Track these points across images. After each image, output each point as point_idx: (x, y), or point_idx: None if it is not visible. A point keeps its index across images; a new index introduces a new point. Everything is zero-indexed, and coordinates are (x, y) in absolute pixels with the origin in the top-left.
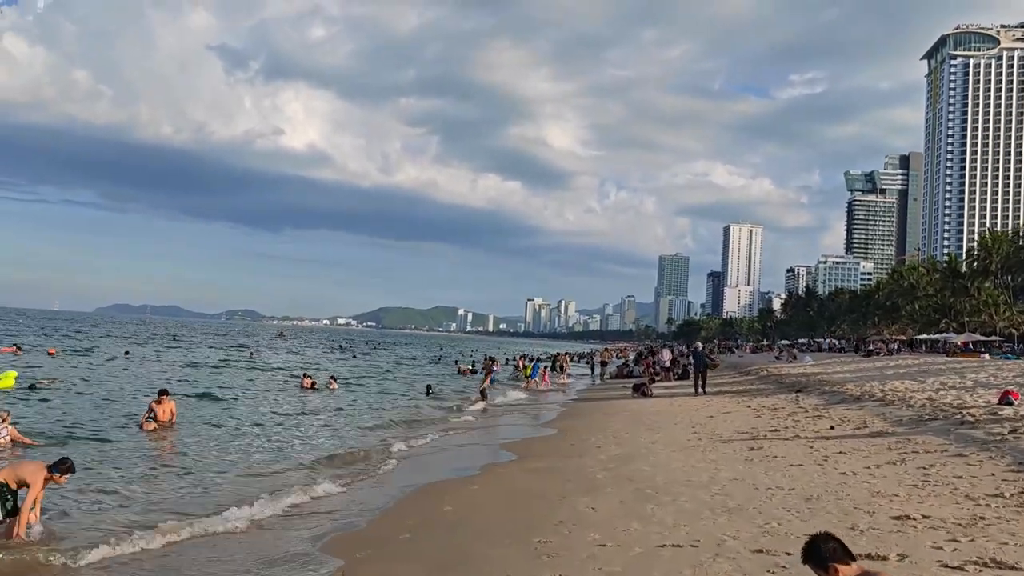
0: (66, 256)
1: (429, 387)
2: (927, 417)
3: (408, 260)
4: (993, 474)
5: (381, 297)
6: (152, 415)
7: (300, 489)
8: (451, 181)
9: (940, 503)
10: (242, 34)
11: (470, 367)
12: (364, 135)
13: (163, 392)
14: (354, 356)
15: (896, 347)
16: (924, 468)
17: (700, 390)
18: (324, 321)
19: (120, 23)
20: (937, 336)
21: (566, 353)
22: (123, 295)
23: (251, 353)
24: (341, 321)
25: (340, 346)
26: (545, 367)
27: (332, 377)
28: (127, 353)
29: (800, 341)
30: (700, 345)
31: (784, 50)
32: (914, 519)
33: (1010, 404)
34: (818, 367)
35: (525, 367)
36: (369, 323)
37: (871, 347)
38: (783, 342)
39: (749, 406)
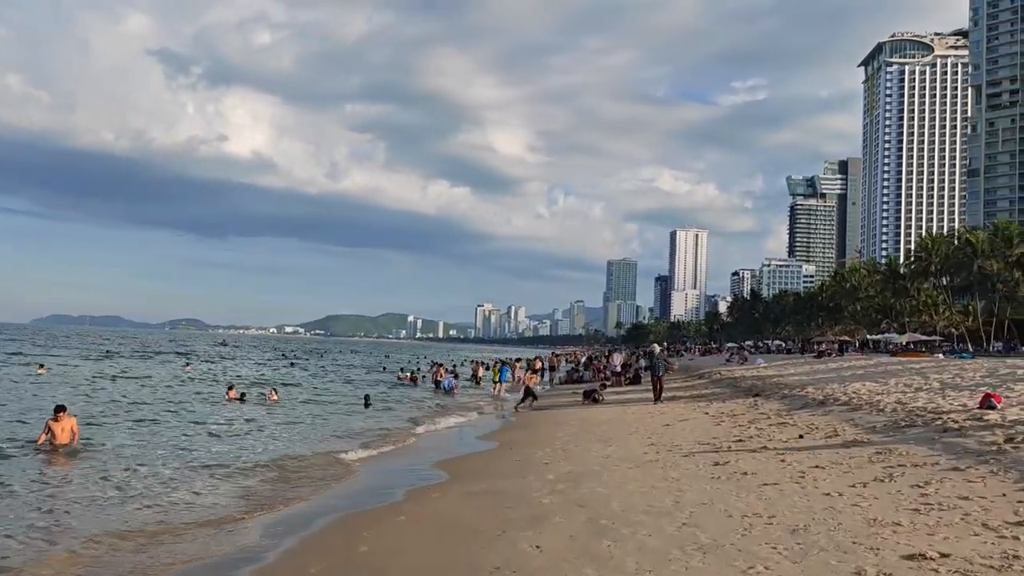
0: None
1: (367, 397)
2: (903, 423)
3: (357, 267)
4: (1004, 494)
5: (330, 305)
6: (49, 435)
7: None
8: (399, 187)
9: (955, 535)
10: (184, 39)
11: (411, 375)
12: (310, 141)
13: (60, 409)
14: (292, 364)
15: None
16: (919, 487)
17: (658, 397)
18: (271, 329)
19: (56, 28)
20: (879, 337)
21: (517, 359)
22: (61, 306)
23: (186, 364)
24: (289, 329)
25: (283, 354)
26: (524, 370)
27: (273, 389)
28: (41, 367)
29: (748, 343)
30: (657, 348)
31: (726, 58)
32: (931, 558)
33: (993, 408)
34: (771, 369)
35: (493, 371)
36: (318, 331)
37: (821, 348)
38: (730, 344)
39: (707, 412)
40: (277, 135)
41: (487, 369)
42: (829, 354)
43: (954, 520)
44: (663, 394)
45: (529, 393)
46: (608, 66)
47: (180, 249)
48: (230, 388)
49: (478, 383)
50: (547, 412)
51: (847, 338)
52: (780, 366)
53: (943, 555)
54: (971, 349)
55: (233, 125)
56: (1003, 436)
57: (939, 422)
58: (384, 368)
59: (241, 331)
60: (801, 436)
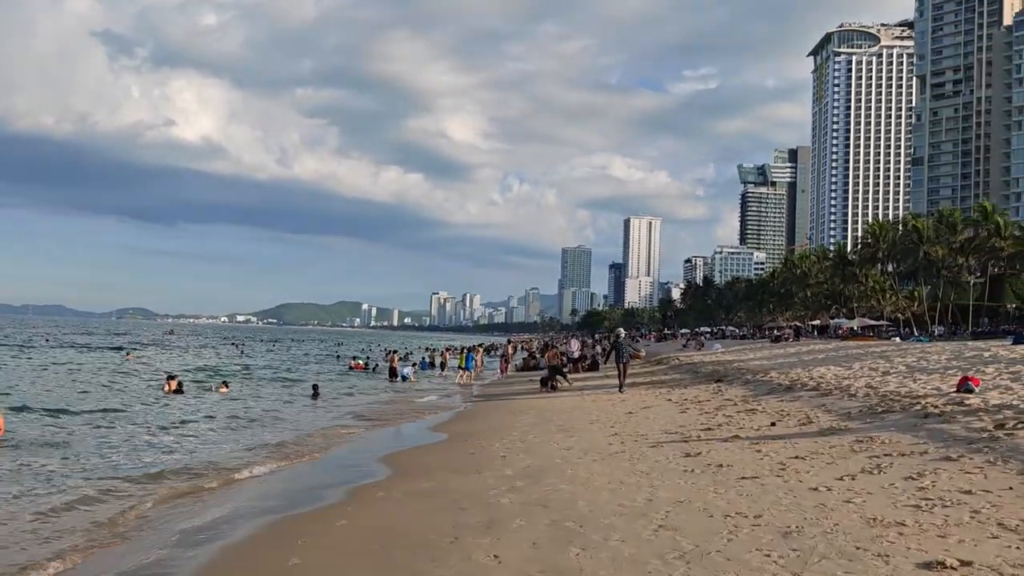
0: None
1: (316, 387)
2: (880, 409)
3: (310, 255)
4: (1011, 488)
5: (282, 293)
6: None
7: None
8: (352, 174)
9: (970, 537)
10: (127, 20)
11: (362, 363)
12: (260, 126)
13: None
14: (241, 353)
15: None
16: (913, 479)
17: (620, 386)
18: (223, 318)
19: None
20: (825, 322)
21: (448, 348)
22: (1, 295)
23: (127, 353)
24: (241, 318)
25: (233, 343)
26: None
27: (224, 382)
28: None
29: (703, 329)
30: (622, 332)
31: (678, 47)
32: (951, 567)
33: (971, 392)
34: (730, 354)
35: (460, 357)
36: (270, 319)
37: (778, 333)
38: (683, 331)
39: (670, 399)
40: (226, 120)
41: (458, 354)
42: (786, 339)
43: (963, 519)
44: (625, 381)
45: (556, 371)
46: (562, 53)
47: (127, 237)
48: (170, 379)
49: (443, 369)
50: (503, 401)
51: (800, 324)
52: (738, 351)
53: (964, 563)
54: (916, 333)
55: (180, 109)
56: (991, 422)
57: (918, 407)
58: (338, 356)
59: (191, 320)
60: (773, 424)
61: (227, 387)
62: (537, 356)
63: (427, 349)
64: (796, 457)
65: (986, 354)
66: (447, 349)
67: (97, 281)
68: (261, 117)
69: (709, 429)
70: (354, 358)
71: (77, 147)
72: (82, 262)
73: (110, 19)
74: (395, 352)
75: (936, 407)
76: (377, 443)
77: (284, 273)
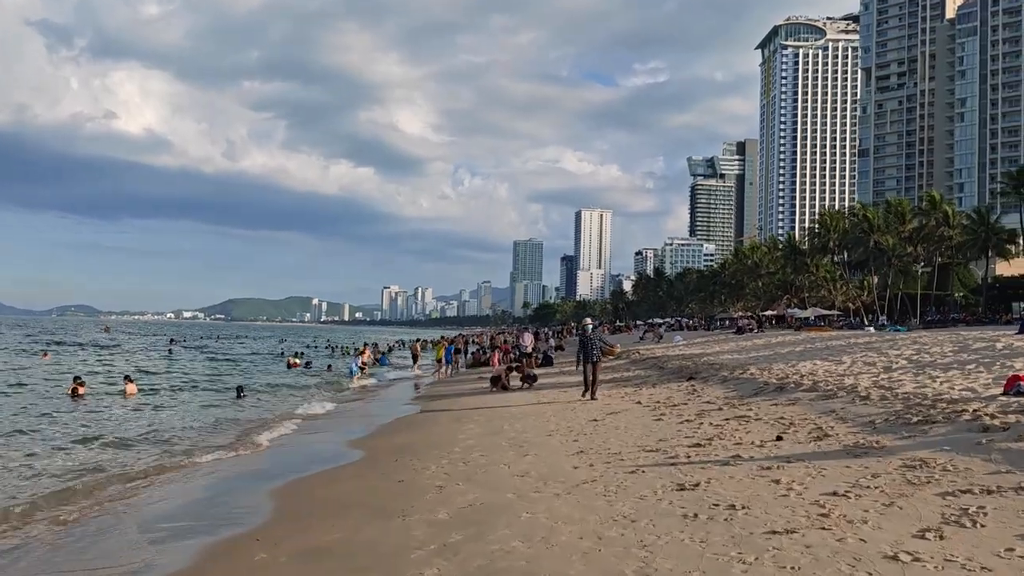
0: None
1: (240, 388)
2: (914, 418)
3: (259, 250)
4: None
5: (230, 289)
6: None
7: None
8: (301, 168)
9: None
10: (65, 9)
11: (298, 360)
12: (206, 119)
13: None
14: (169, 352)
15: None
16: None
17: (592, 393)
18: (169, 315)
19: None
20: (795, 311)
21: (417, 340)
22: None
23: (44, 352)
24: (187, 314)
25: (171, 340)
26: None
27: (127, 377)
28: None
29: (657, 320)
30: (590, 324)
31: (627, 40)
32: None
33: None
34: (694, 347)
35: (437, 348)
36: (218, 315)
37: (741, 323)
38: (638, 322)
39: (638, 401)
40: (170, 112)
41: (432, 346)
42: (750, 330)
43: None
44: (598, 385)
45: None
46: (513, 45)
47: (68, 232)
48: (76, 381)
49: (415, 363)
50: (449, 401)
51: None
52: (702, 343)
53: None
54: (866, 323)
55: (121, 102)
56: None
57: (966, 416)
58: (283, 353)
59: (136, 317)
60: (780, 438)
61: (134, 386)
62: (488, 351)
63: (373, 344)
64: (834, 493)
65: (998, 345)
66: (416, 341)
67: (37, 278)
68: (206, 110)
69: (699, 445)
70: (296, 355)
71: (14, 139)
72: (21, 258)
73: (48, 8)
74: (368, 345)
75: (991, 416)
76: (274, 464)
77: (232, 269)
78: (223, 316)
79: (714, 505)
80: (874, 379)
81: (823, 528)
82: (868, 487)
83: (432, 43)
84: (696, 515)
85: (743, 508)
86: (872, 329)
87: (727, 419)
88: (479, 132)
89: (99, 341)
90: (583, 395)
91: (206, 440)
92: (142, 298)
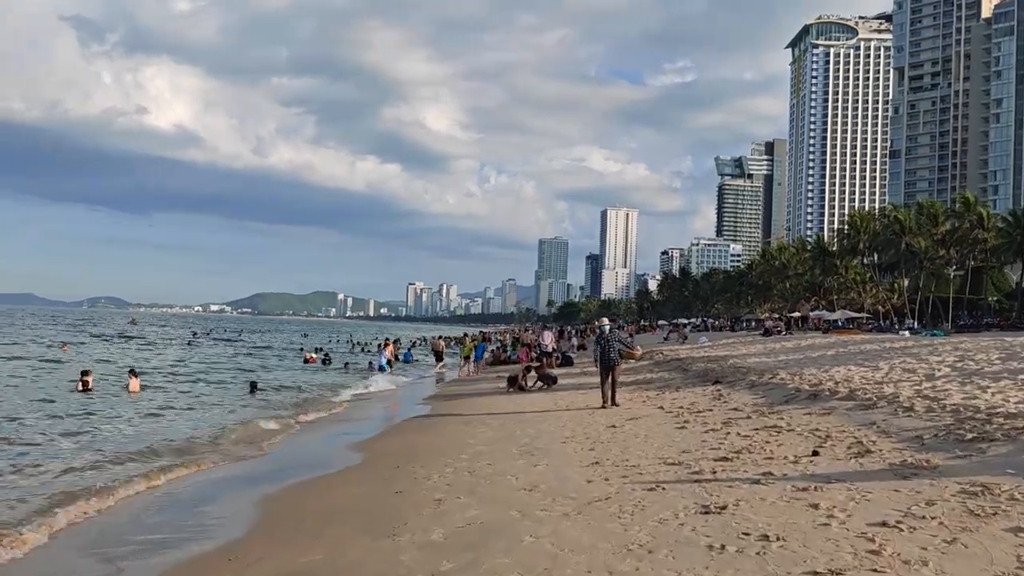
0: None
1: (254, 384)
2: (968, 434)
3: (286, 245)
4: None
5: (258, 283)
6: None
7: None
8: (328, 164)
9: None
10: (97, 5)
11: (314, 356)
12: (236, 115)
13: None
14: (189, 343)
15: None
16: None
17: (610, 400)
18: (197, 308)
19: None
20: (823, 313)
21: (440, 336)
22: None
23: (63, 345)
24: (215, 308)
25: (194, 333)
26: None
27: (132, 371)
28: None
29: (683, 321)
30: (607, 323)
31: (656, 39)
32: None
33: None
34: (720, 349)
35: (466, 346)
36: (245, 309)
37: (768, 325)
38: (661, 321)
39: (660, 406)
40: (201, 108)
41: (457, 344)
42: (778, 331)
43: None
44: (617, 391)
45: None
46: (541, 44)
47: (99, 225)
48: (84, 374)
49: (440, 360)
50: (463, 401)
51: (780, 316)
52: (729, 345)
53: None
54: (897, 327)
55: (152, 97)
56: None
57: None
58: (302, 348)
59: (164, 310)
60: (816, 453)
61: (136, 376)
62: (508, 349)
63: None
64: (883, 524)
65: None
66: (438, 338)
67: (68, 270)
68: (237, 105)
69: (725, 459)
70: (316, 350)
71: (47, 134)
72: (52, 251)
73: (80, 4)
74: (391, 340)
75: None
76: (271, 468)
77: (260, 263)
78: (250, 310)
79: (744, 534)
80: (916, 388)
81: (875, 570)
82: (923, 517)
83: (459, 41)
84: (723, 547)
85: (778, 539)
86: (907, 333)
87: (756, 429)
88: (506, 130)
89: (126, 333)
90: (602, 405)
91: (205, 440)
92: (170, 291)
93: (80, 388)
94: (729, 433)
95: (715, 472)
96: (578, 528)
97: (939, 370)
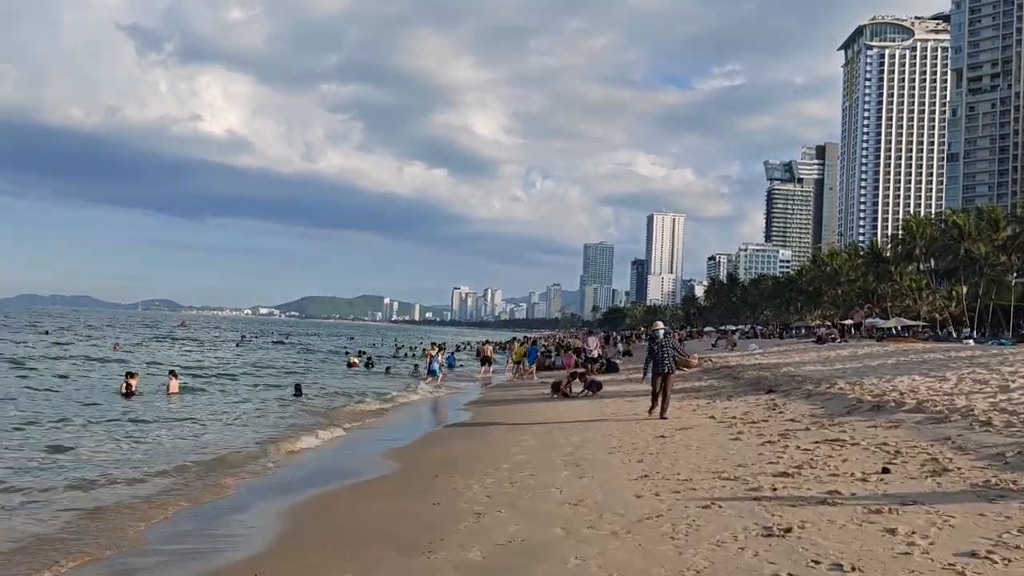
0: None
1: (298, 387)
2: None
3: (333, 249)
4: None
5: (305, 286)
6: None
7: None
8: (375, 169)
9: None
10: (155, 14)
11: (358, 360)
12: (285, 121)
13: None
14: (237, 345)
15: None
16: None
17: (661, 411)
18: (246, 311)
19: (26, 3)
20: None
21: (486, 341)
22: (31, 286)
23: (116, 346)
24: (264, 311)
25: (242, 335)
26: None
27: (172, 372)
28: None
29: (732, 327)
30: (662, 328)
31: (704, 42)
32: None
33: None
34: (772, 357)
35: (515, 351)
36: (292, 312)
37: (822, 332)
38: (708, 328)
39: (711, 415)
40: (252, 115)
41: (503, 349)
42: (832, 339)
43: None
44: (668, 403)
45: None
46: (587, 48)
47: (153, 229)
48: (129, 376)
49: (488, 365)
50: (505, 408)
51: (831, 323)
52: (780, 353)
53: None
54: (954, 335)
55: (206, 104)
56: None
57: None
58: (347, 352)
59: (215, 312)
60: (886, 470)
61: (176, 377)
62: (552, 355)
63: (486, 342)
64: (973, 554)
65: None
66: (485, 343)
67: (124, 273)
68: (286, 112)
69: (786, 474)
70: (360, 353)
71: (106, 141)
72: (109, 254)
73: (138, 13)
74: (437, 345)
75: None
76: (305, 475)
77: (308, 267)
78: (297, 313)
79: (814, 562)
80: (991, 400)
81: None
82: (1018, 547)
83: (505, 47)
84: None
85: (854, 570)
86: (971, 342)
87: (817, 442)
88: (551, 135)
89: (175, 335)
90: (649, 412)
91: (239, 445)
92: (221, 294)
93: (124, 389)
94: (788, 446)
95: (775, 489)
96: (627, 549)
97: (1014, 381)
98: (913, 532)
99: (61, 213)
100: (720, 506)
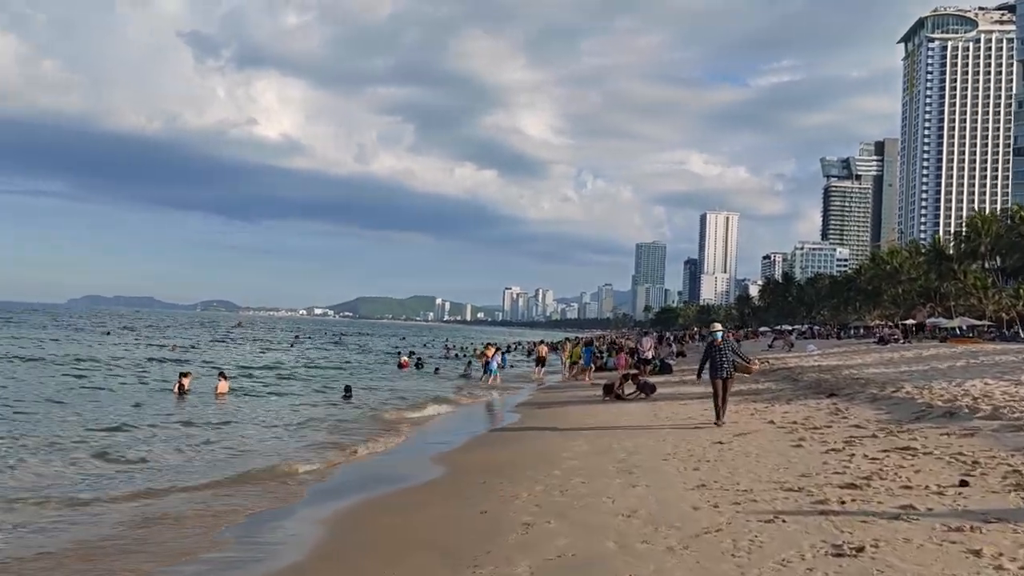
0: (36, 247)
1: (348, 388)
2: None
3: (386, 250)
4: None
5: (359, 287)
6: None
7: None
8: (427, 170)
9: None
10: (213, 21)
11: (408, 360)
12: (338, 124)
13: None
14: (292, 346)
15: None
16: None
17: (720, 415)
18: (301, 311)
19: (89, 11)
20: (940, 321)
21: (541, 342)
22: (96, 287)
23: (173, 346)
24: (318, 311)
25: (296, 336)
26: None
27: (221, 373)
28: None
29: (786, 328)
30: (720, 329)
31: (759, 39)
32: None
33: None
34: (832, 358)
35: (569, 353)
36: (346, 312)
37: (884, 332)
38: (763, 328)
39: (771, 420)
40: (306, 118)
41: (553, 350)
42: (895, 340)
43: None
44: (726, 407)
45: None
46: (639, 47)
47: (211, 232)
48: (182, 376)
49: (542, 366)
50: (557, 411)
51: (892, 323)
52: (840, 354)
53: None
54: (1022, 334)
55: (262, 108)
56: None
57: None
58: (399, 352)
59: (271, 313)
60: (964, 483)
61: (226, 379)
62: (604, 355)
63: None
64: None
65: None
66: (540, 343)
67: (183, 274)
68: (339, 115)
69: (854, 486)
70: (410, 354)
71: (166, 146)
72: (170, 256)
73: (197, 21)
74: (492, 345)
75: None
76: (347, 480)
77: (362, 268)
78: (351, 313)
79: None
80: None
81: None
82: None
83: (556, 47)
84: None
85: None
86: None
87: (885, 451)
88: (602, 135)
89: (230, 335)
90: (716, 422)
91: (283, 449)
92: (277, 295)
93: (176, 390)
94: (854, 454)
95: (843, 502)
96: (686, 567)
97: None
98: (1000, 554)
99: (124, 216)
100: (784, 520)
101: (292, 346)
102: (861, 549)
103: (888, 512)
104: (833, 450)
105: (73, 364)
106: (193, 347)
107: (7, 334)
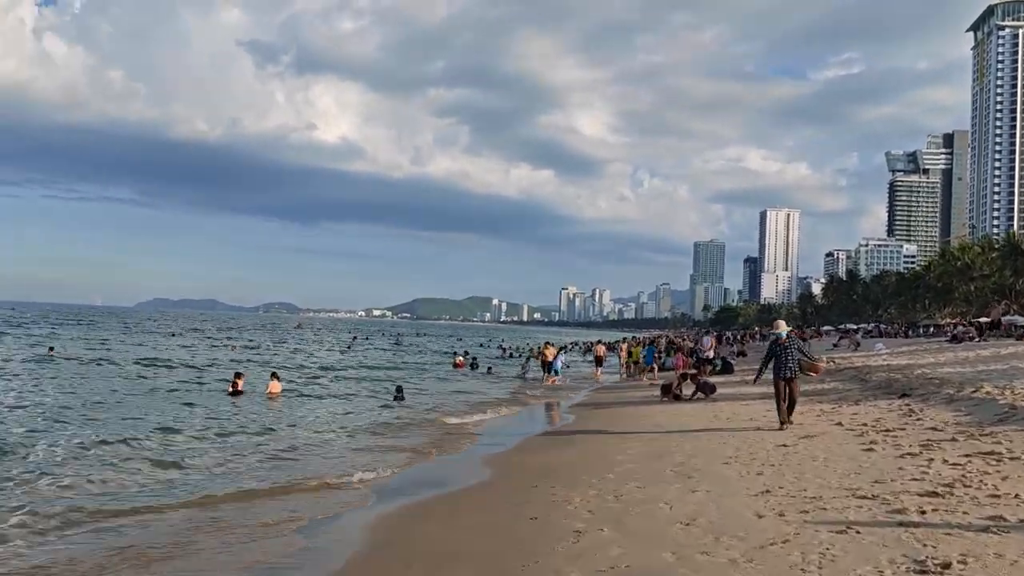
0: (106, 252)
1: (399, 389)
2: None
3: (443, 251)
4: None
5: (416, 288)
6: None
7: None
8: (483, 171)
9: None
10: (272, 29)
11: (463, 359)
12: (395, 127)
13: None
14: (349, 347)
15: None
16: None
17: (786, 417)
18: (360, 313)
19: (153, 22)
20: (1016, 319)
21: (599, 341)
22: (163, 290)
23: (233, 347)
24: (377, 312)
25: (354, 336)
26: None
27: (274, 374)
28: (51, 349)
29: (851, 326)
30: (784, 328)
31: (819, 31)
32: None
33: None
34: (902, 358)
35: (629, 354)
36: (404, 314)
37: (957, 330)
38: (826, 327)
39: (839, 422)
40: (363, 121)
41: (611, 350)
42: (970, 338)
43: None
44: (793, 408)
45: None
46: (695, 43)
47: (272, 235)
48: (236, 376)
49: (600, 366)
50: (613, 411)
51: (965, 321)
52: (910, 353)
53: None
54: None
55: (320, 113)
56: None
57: None
58: (454, 352)
59: (330, 314)
60: None
61: (278, 380)
62: (663, 355)
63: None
64: None
65: None
66: (597, 342)
67: (246, 277)
68: (395, 117)
69: (935, 494)
70: (464, 354)
71: (228, 151)
72: (233, 259)
73: (256, 29)
74: (552, 345)
75: None
76: (395, 485)
77: (419, 269)
78: (409, 314)
79: None
80: None
81: None
82: None
83: (610, 45)
84: None
85: None
86: None
87: (967, 456)
88: (658, 133)
89: (288, 337)
90: (781, 426)
91: (330, 450)
92: (337, 297)
93: (231, 389)
94: (932, 459)
95: (923, 512)
96: None
97: None
98: None
99: (188, 221)
100: (858, 531)
101: (349, 347)
102: (947, 565)
103: (975, 524)
104: (909, 454)
105: (137, 364)
106: (250, 345)
107: (77, 334)
